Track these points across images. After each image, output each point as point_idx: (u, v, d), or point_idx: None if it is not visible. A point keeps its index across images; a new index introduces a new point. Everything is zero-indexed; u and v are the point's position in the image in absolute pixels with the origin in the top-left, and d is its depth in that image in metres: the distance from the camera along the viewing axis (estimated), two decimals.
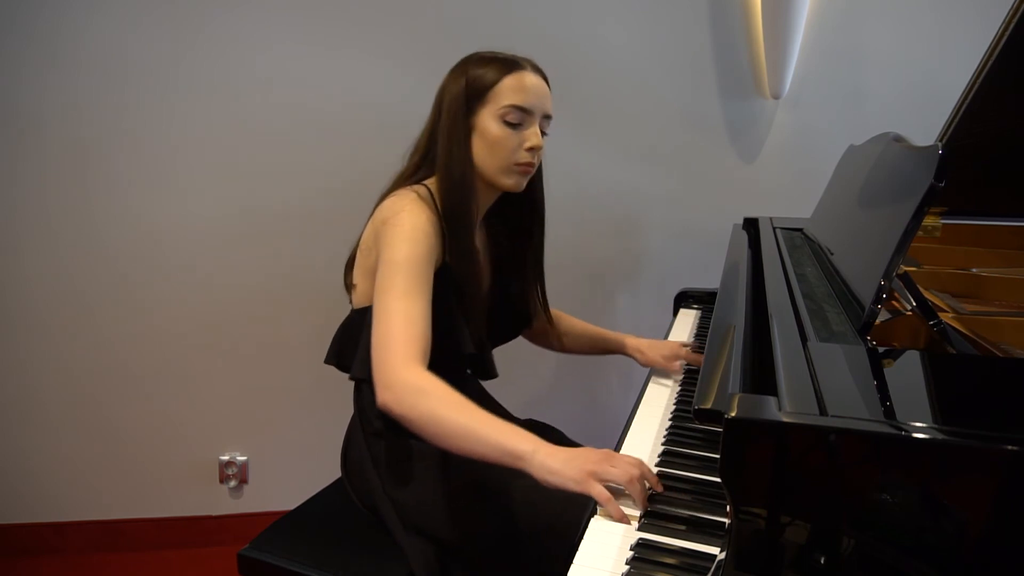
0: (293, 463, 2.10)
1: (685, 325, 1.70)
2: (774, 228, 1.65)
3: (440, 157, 1.20)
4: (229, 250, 1.96)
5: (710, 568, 0.75)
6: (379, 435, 1.23)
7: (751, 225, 1.78)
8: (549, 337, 1.54)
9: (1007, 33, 1.09)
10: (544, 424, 1.45)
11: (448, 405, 1.00)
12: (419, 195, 1.18)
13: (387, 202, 1.19)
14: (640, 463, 0.95)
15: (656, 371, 1.45)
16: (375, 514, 1.25)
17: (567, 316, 1.55)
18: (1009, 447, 0.55)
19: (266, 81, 1.88)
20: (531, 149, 1.21)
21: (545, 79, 1.24)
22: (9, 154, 1.83)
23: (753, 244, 1.65)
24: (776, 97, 2.02)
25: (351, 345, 1.24)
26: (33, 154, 1.84)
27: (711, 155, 2.08)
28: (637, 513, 0.91)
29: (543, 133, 1.23)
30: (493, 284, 1.37)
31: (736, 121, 2.06)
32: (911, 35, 2.02)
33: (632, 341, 1.52)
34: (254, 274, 1.98)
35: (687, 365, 1.45)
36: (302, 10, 1.86)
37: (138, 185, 1.89)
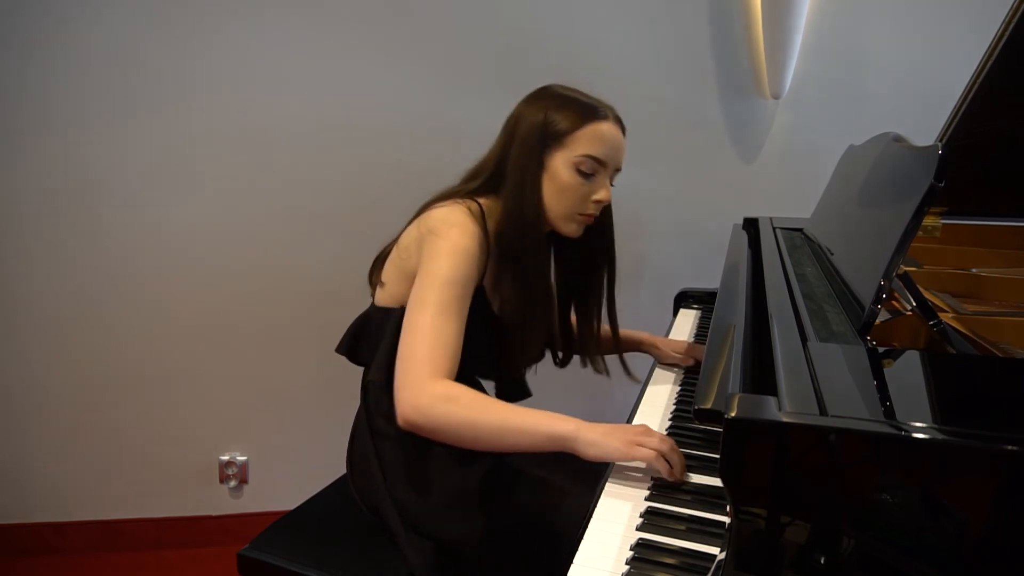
0: (293, 463, 2.10)
1: (685, 325, 1.70)
2: (774, 228, 1.65)
3: (510, 192, 1.17)
4: (230, 251, 1.96)
5: (710, 568, 0.75)
6: (384, 434, 1.23)
7: (751, 225, 1.78)
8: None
9: (1007, 33, 1.09)
10: None
11: (481, 407, 1.02)
12: (471, 211, 1.15)
13: (439, 212, 1.15)
14: (671, 442, 0.99)
15: (656, 371, 1.45)
16: (376, 514, 1.25)
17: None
18: (1009, 447, 0.55)
19: (270, 82, 1.88)
20: (598, 202, 1.20)
21: (623, 131, 1.22)
22: (13, 153, 1.83)
23: (753, 244, 1.65)
24: (776, 97, 2.02)
25: (367, 341, 1.23)
26: (37, 154, 1.84)
27: (711, 155, 2.07)
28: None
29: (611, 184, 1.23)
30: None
31: (736, 121, 2.06)
32: (911, 35, 2.02)
33: (648, 338, 1.51)
34: (255, 274, 1.98)
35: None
36: (305, 12, 1.86)
37: (138, 185, 1.89)
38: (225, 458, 2.07)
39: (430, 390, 1.02)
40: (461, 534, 1.16)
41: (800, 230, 1.63)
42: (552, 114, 1.16)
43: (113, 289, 1.93)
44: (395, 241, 1.25)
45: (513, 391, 1.31)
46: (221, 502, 2.11)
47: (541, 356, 1.37)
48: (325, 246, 1.99)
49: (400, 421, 1.04)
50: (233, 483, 2.09)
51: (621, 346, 1.50)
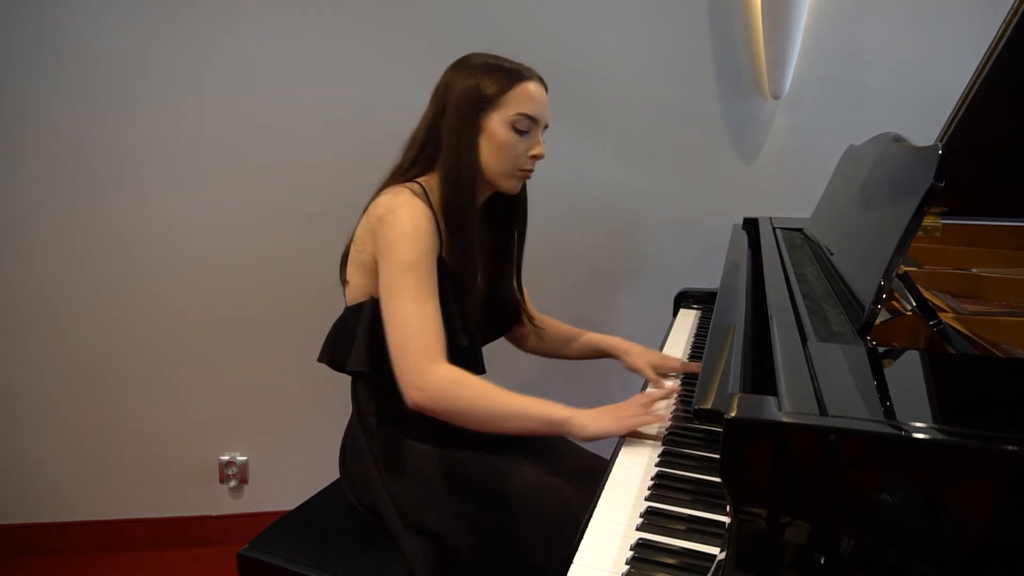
0: (293, 463, 2.10)
1: (685, 325, 1.70)
2: (774, 228, 1.65)
3: (445, 156, 1.21)
4: (231, 251, 1.96)
5: (710, 568, 0.75)
6: (375, 433, 1.24)
7: (751, 225, 1.78)
8: (535, 340, 1.52)
9: (1007, 33, 1.09)
10: None
11: (485, 391, 1.09)
12: (413, 192, 1.18)
13: (382, 199, 1.19)
14: (651, 396, 1.15)
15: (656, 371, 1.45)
16: (374, 513, 1.25)
17: (554, 320, 1.54)
18: (1009, 447, 0.55)
19: (273, 82, 1.88)
20: (534, 156, 1.25)
21: (547, 89, 1.27)
22: (16, 153, 1.83)
23: (753, 244, 1.65)
24: (776, 97, 2.02)
25: (345, 343, 1.23)
26: (40, 153, 1.84)
27: (711, 155, 2.07)
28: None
29: None
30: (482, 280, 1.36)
31: (736, 121, 2.06)
32: (911, 35, 2.02)
33: (619, 342, 1.48)
34: (254, 274, 1.98)
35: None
36: (308, 11, 1.86)
37: (139, 185, 1.89)
38: (225, 458, 2.07)
39: (438, 374, 1.08)
40: (460, 532, 1.16)
41: (800, 230, 1.63)
42: (482, 79, 1.21)
43: (114, 289, 1.93)
44: (350, 241, 1.27)
45: (471, 365, 1.27)
46: (221, 502, 2.11)
47: (504, 329, 1.41)
48: (326, 246, 1.97)
49: (409, 404, 1.09)
50: (233, 483, 2.09)
51: (583, 347, 1.50)
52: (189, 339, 1.99)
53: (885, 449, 0.58)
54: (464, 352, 1.24)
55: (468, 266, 1.22)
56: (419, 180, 1.23)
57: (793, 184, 2.07)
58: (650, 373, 1.39)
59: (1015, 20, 1.07)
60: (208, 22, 1.83)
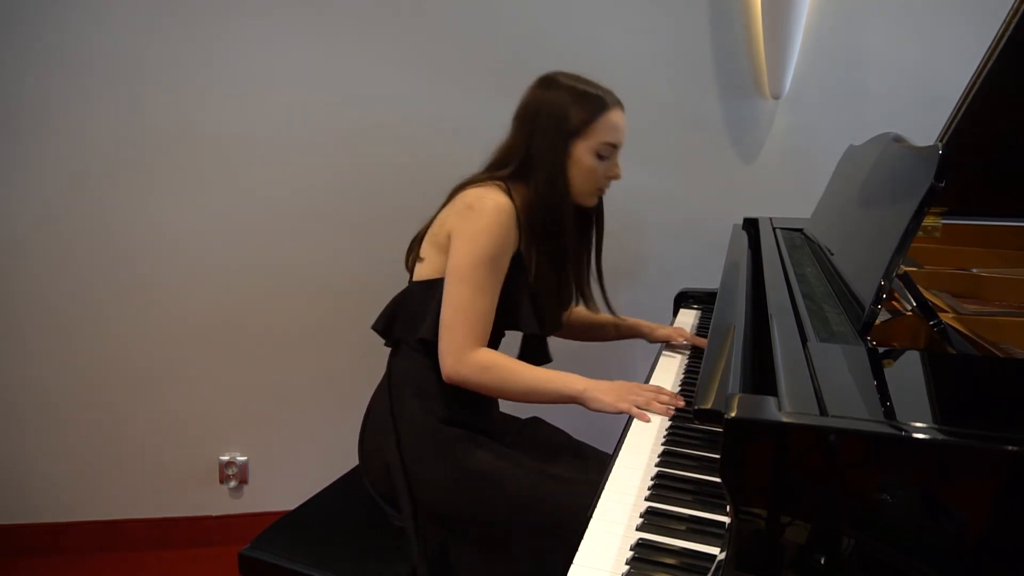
0: (293, 463, 2.10)
1: (685, 325, 1.70)
2: (774, 228, 1.65)
3: (540, 178, 1.30)
4: (230, 251, 1.96)
5: (710, 568, 0.75)
6: (405, 408, 1.28)
7: (751, 225, 1.78)
8: (577, 330, 1.64)
9: (1007, 33, 1.09)
10: (548, 424, 1.46)
11: (512, 372, 1.23)
12: (501, 190, 1.28)
13: (474, 191, 1.28)
14: (657, 388, 1.22)
15: (656, 371, 1.45)
16: (383, 495, 1.26)
17: (581, 308, 1.61)
18: (1009, 447, 0.55)
19: (276, 81, 1.88)
20: (611, 178, 1.36)
21: (623, 109, 1.36)
22: (17, 153, 1.83)
23: (753, 244, 1.65)
24: (776, 97, 2.02)
25: (404, 317, 1.33)
26: (41, 153, 1.84)
27: (711, 155, 2.07)
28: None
29: None
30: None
31: (736, 121, 2.06)
32: (911, 35, 2.02)
33: (644, 323, 1.64)
34: (255, 275, 1.98)
35: (688, 364, 1.46)
36: (310, 12, 1.86)
37: (138, 186, 1.89)
38: (225, 458, 2.07)
39: (471, 360, 1.21)
40: (469, 517, 1.17)
41: (800, 230, 1.63)
42: (571, 107, 1.29)
43: (114, 289, 1.93)
44: (428, 224, 1.35)
45: (538, 356, 1.42)
46: (221, 502, 2.11)
47: (560, 325, 1.50)
48: (327, 246, 1.99)
49: (445, 378, 1.24)
50: (233, 483, 2.09)
51: (620, 327, 1.63)
52: (189, 339, 1.99)
53: (885, 449, 0.58)
54: (532, 339, 1.39)
55: (560, 272, 1.37)
56: (507, 181, 1.32)
57: (793, 184, 2.07)
58: (675, 336, 1.57)
59: (1015, 20, 1.07)
60: (208, 22, 1.83)
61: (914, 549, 0.57)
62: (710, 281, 1.72)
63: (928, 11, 2.00)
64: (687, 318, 1.76)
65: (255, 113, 1.89)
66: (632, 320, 1.64)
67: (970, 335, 0.92)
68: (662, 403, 1.17)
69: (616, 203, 2.10)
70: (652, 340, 1.62)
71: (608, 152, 1.32)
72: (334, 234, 1.98)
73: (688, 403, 1.19)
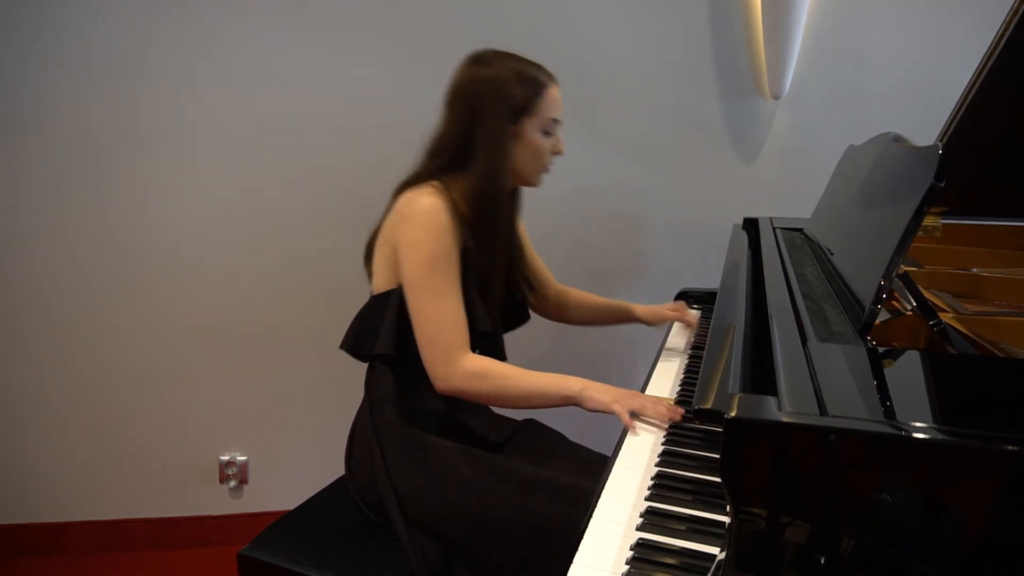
0: (293, 463, 2.10)
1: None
2: (774, 228, 1.65)
3: (482, 163, 1.25)
4: (230, 251, 1.96)
5: (710, 568, 0.75)
6: (387, 423, 1.25)
7: (751, 225, 1.78)
8: (559, 311, 1.63)
9: (1007, 33, 1.09)
10: (543, 426, 1.45)
11: (505, 379, 1.19)
12: (435, 189, 1.23)
13: (405, 196, 1.24)
14: (658, 400, 1.18)
15: (656, 371, 1.45)
16: (375, 510, 1.26)
17: (576, 291, 1.64)
18: (1009, 447, 0.55)
19: (274, 81, 1.88)
20: (556, 153, 1.33)
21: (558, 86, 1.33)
22: (17, 153, 1.83)
23: (753, 244, 1.65)
24: (776, 97, 2.02)
25: (369, 332, 1.29)
26: (41, 153, 1.84)
27: (711, 155, 2.07)
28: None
29: None
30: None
31: (736, 121, 2.06)
32: (911, 35, 2.02)
33: (637, 306, 1.66)
34: (255, 274, 1.98)
35: (688, 364, 1.46)
36: (311, 11, 1.86)
37: (138, 184, 1.89)
38: (225, 458, 2.07)
39: (461, 369, 1.18)
40: (462, 529, 1.16)
41: (800, 230, 1.63)
42: (512, 86, 1.24)
43: (113, 289, 1.93)
44: (378, 228, 1.32)
45: (493, 352, 1.34)
46: (221, 502, 2.11)
47: (524, 317, 1.48)
48: (326, 246, 1.99)
49: (437, 391, 1.21)
50: (233, 483, 2.09)
51: (603, 313, 1.65)
52: (189, 339, 1.99)
53: (885, 449, 0.58)
54: (487, 339, 1.32)
55: (493, 259, 1.30)
56: (441, 178, 1.27)
57: (793, 184, 2.07)
58: (673, 315, 1.60)
59: (1015, 20, 1.07)
60: (207, 21, 1.83)
61: (914, 549, 0.57)
62: (710, 281, 1.72)
63: (928, 11, 2.00)
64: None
65: (255, 113, 1.89)
66: (619, 302, 1.65)
67: (970, 335, 0.92)
68: (658, 413, 1.14)
69: (616, 203, 2.11)
70: (639, 317, 1.63)
71: (553, 128, 1.29)
72: (334, 234, 1.98)
73: (688, 403, 1.19)
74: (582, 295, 1.64)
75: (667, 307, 1.67)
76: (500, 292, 1.35)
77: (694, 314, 1.66)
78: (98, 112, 1.84)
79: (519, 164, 1.29)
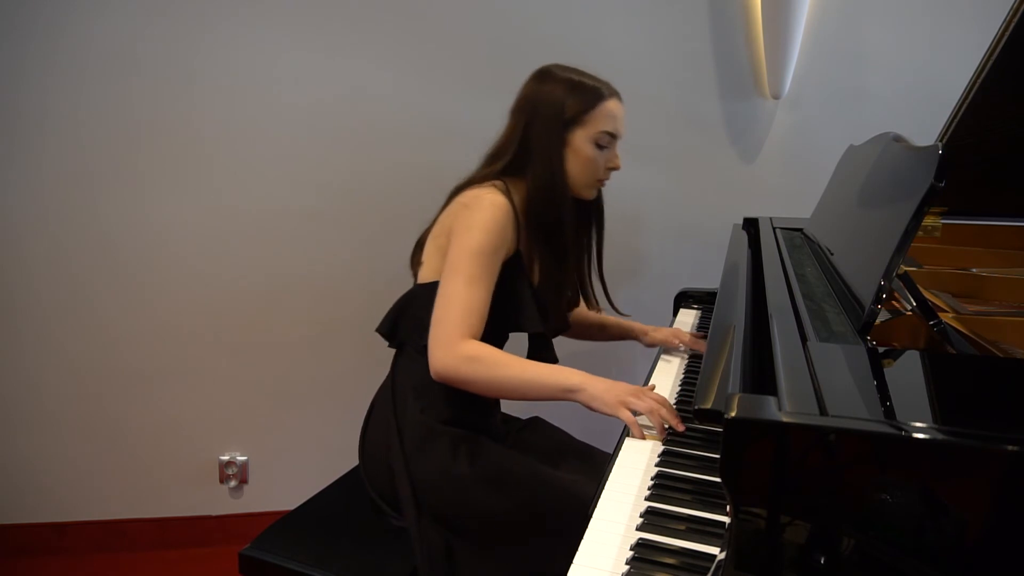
0: (293, 463, 2.10)
1: (685, 325, 1.70)
2: (774, 228, 1.65)
3: (535, 168, 1.29)
4: (229, 250, 1.96)
5: (710, 568, 0.75)
6: (408, 409, 1.27)
7: (751, 225, 1.79)
8: (574, 329, 1.61)
9: (1007, 33, 1.09)
10: (549, 424, 1.46)
11: (501, 365, 1.17)
12: (500, 190, 1.27)
13: (471, 191, 1.27)
14: (663, 400, 1.14)
15: (656, 372, 1.45)
16: (384, 497, 1.26)
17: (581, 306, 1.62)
18: (1009, 447, 0.55)
19: (271, 82, 1.88)
20: (611, 168, 1.35)
21: (622, 101, 1.35)
22: (13, 152, 1.83)
23: (753, 244, 1.65)
24: (776, 97, 2.02)
25: (408, 319, 1.32)
26: (37, 153, 1.84)
27: (711, 155, 2.07)
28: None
29: None
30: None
31: (736, 121, 2.06)
32: (911, 35, 2.02)
33: (637, 325, 1.63)
34: (255, 274, 1.98)
35: (687, 364, 1.46)
36: (307, 12, 1.86)
37: (138, 184, 1.89)
38: (225, 458, 2.07)
39: (459, 351, 1.16)
40: (472, 518, 1.17)
41: (800, 230, 1.63)
42: (568, 97, 1.28)
43: (113, 289, 1.93)
44: (431, 227, 1.35)
45: (545, 357, 1.38)
46: (221, 502, 2.11)
47: (568, 324, 1.49)
48: (326, 246, 1.99)
49: (432, 374, 1.18)
50: (233, 483, 2.09)
51: (604, 330, 1.63)
52: (189, 338, 1.99)
53: (885, 449, 0.58)
54: (537, 341, 1.34)
55: (561, 266, 1.34)
56: (504, 179, 1.31)
57: (793, 184, 2.07)
58: (670, 340, 1.54)
59: (1015, 20, 1.07)
60: (204, 22, 1.83)
61: (914, 549, 0.57)
62: (710, 281, 1.72)
63: (928, 11, 2.00)
64: (687, 318, 1.76)
65: (256, 113, 1.89)
66: (627, 322, 1.63)
67: (970, 335, 0.92)
68: (660, 419, 1.10)
69: (616, 203, 2.10)
70: (646, 344, 1.60)
71: (607, 142, 1.31)
72: (334, 234, 1.98)
73: (688, 403, 1.19)
74: (580, 309, 1.59)
75: (664, 330, 1.60)
76: (567, 298, 1.39)
77: (684, 338, 1.56)
78: (92, 111, 1.83)
79: (571, 174, 1.31)
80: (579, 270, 1.46)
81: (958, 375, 0.78)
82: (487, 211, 1.22)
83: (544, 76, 1.32)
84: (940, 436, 0.57)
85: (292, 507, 1.33)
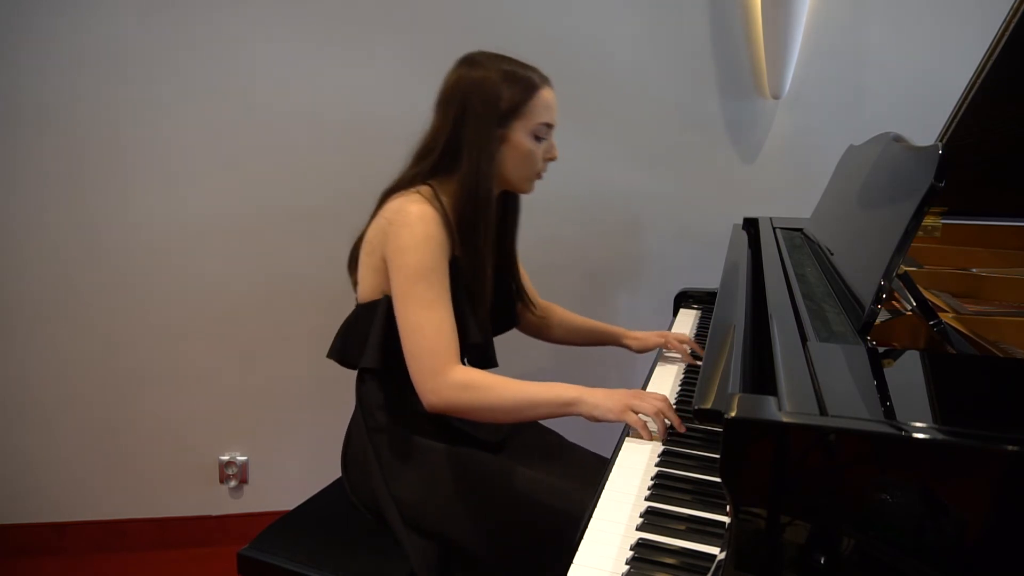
0: (293, 463, 2.10)
1: (685, 325, 1.70)
2: (774, 228, 1.65)
3: (466, 166, 1.21)
4: (229, 250, 1.96)
5: (710, 568, 0.75)
6: (381, 430, 1.24)
7: (751, 225, 1.79)
8: (542, 328, 1.56)
9: (1007, 33, 1.09)
10: (543, 427, 1.45)
11: (496, 388, 1.12)
12: (424, 196, 1.19)
13: (393, 203, 1.20)
14: (665, 400, 1.12)
15: (656, 371, 1.45)
16: (374, 513, 1.25)
17: (560, 308, 1.58)
18: (1009, 447, 0.55)
19: (267, 81, 1.88)
20: (550, 159, 1.29)
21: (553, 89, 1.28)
22: (8, 152, 1.83)
23: (753, 244, 1.65)
24: (776, 97, 2.02)
25: (355, 340, 1.25)
26: (33, 152, 1.84)
27: (711, 155, 2.08)
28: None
29: None
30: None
31: (736, 121, 2.06)
32: (911, 35, 2.02)
33: (627, 331, 1.57)
34: (254, 274, 1.98)
35: (687, 364, 1.46)
36: (304, 11, 1.86)
37: (138, 184, 1.89)
38: (225, 458, 2.07)
39: (449, 381, 1.11)
40: (461, 531, 1.16)
41: (800, 230, 1.63)
42: (502, 88, 1.20)
43: (113, 288, 1.93)
44: (363, 235, 1.27)
45: (483, 360, 1.34)
46: (221, 502, 2.11)
47: (512, 322, 1.44)
48: (325, 247, 1.98)
49: (427, 408, 1.13)
50: (233, 483, 2.09)
51: (590, 335, 1.57)
52: (189, 338, 1.99)
53: (885, 449, 0.58)
54: (478, 349, 1.28)
55: (480, 267, 1.24)
56: (430, 183, 1.23)
57: (793, 184, 2.07)
58: (660, 342, 1.50)
59: (1015, 20, 1.07)
60: (201, 21, 1.82)
61: (914, 549, 0.57)
62: (710, 281, 1.72)
63: (928, 11, 2.00)
64: (687, 318, 1.76)
65: (253, 113, 1.89)
66: (612, 327, 1.57)
67: (970, 335, 0.92)
68: (663, 420, 1.10)
69: (616, 203, 2.11)
70: (635, 349, 1.54)
71: (545, 133, 1.25)
72: (335, 234, 1.97)
73: (688, 404, 1.19)
74: (566, 314, 1.57)
75: (654, 333, 1.55)
76: (489, 299, 1.29)
77: (680, 341, 1.52)
78: (87, 112, 1.83)
79: (508, 169, 1.24)
80: (508, 269, 1.39)
81: (958, 375, 0.78)
82: (416, 227, 1.14)
83: (473, 64, 1.23)
84: (940, 436, 0.57)
85: (292, 507, 1.33)
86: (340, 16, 1.87)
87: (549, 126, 1.25)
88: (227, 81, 1.87)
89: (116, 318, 1.95)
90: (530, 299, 1.47)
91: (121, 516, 2.06)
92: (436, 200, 1.19)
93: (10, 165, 1.84)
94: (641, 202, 2.08)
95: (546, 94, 1.24)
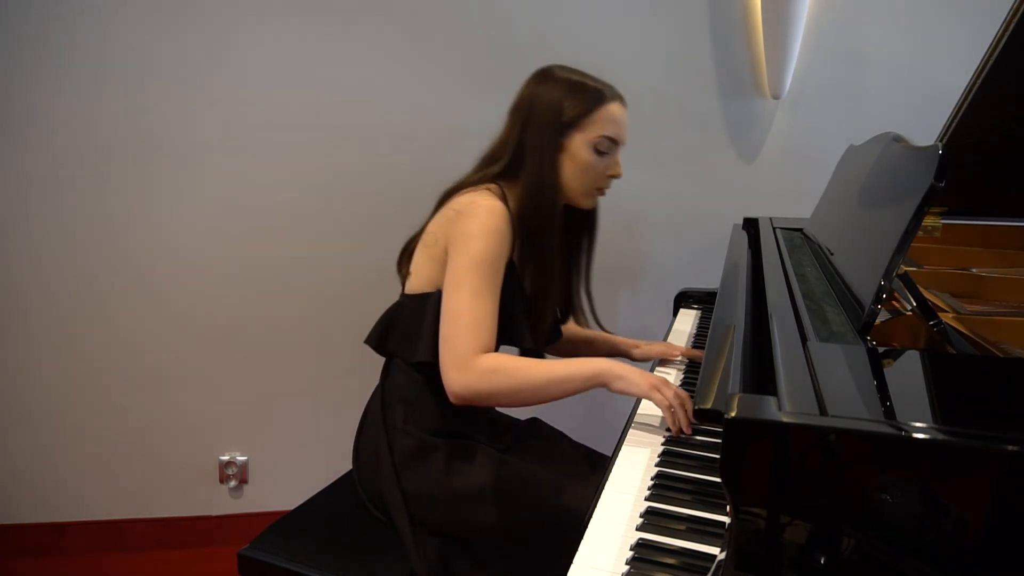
0: (293, 463, 2.10)
1: (685, 325, 1.70)
2: (774, 228, 1.65)
3: (529, 174, 1.24)
4: (229, 251, 1.96)
5: (710, 568, 0.75)
6: (398, 423, 1.25)
7: (751, 225, 1.79)
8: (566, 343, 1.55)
9: (1007, 33, 1.09)
10: (546, 425, 1.45)
11: (521, 371, 1.13)
12: (493, 193, 1.22)
13: (463, 197, 1.22)
14: (689, 399, 1.11)
15: (656, 371, 1.45)
16: (381, 509, 1.26)
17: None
18: (1009, 447, 0.55)
19: (278, 82, 1.88)
20: (612, 176, 1.29)
21: (625, 107, 1.30)
22: (19, 153, 1.83)
23: (753, 244, 1.65)
24: (776, 97, 2.02)
25: (397, 330, 1.27)
26: (43, 153, 1.84)
27: (711, 155, 2.07)
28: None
29: None
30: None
31: (736, 121, 2.06)
32: (911, 35, 2.02)
33: (625, 339, 1.57)
34: (255, 274, 1.98)
35: (687, 364, 1.46)
36: (311, 13, 1.86)
37: (139, 184, 1.89)
38: (225, 458, 2.07)
39: (476, 366, 1.11)
40: (464, 529, 1.17)
41: (800, 230, 1.63)
42: (566, 98, 1.23)
43: (114, 289, 1.93)
44: (420, 233, 1.29)
45: None
46: (221, 502, 2.11)
47: (557, 335, 1.43)
48: (327, 247, 1.99)
49: (452, 397, 1.14)
50: (233, 483, 2.09)
51: (590, 346, 1.55)
52: (189, 339, 1.99)
53: (885, 449, 0.58)
54: (529, 355, 1.28)
55: (546, 275, 1.26)
56: (499, 183, 1.26)
57: (793, 184, 2.07)
58: (662, 348, 1.49)
59: (1015, 20, 1.07)
60: (210, 22, 1.83)
61: (914, 549, 0.57)
62: (710, 281, 1.72)
63: (928, 11, 2.00)
64: (687, 318, 1.76)
65: (257, 114, 1.89)
66: (616, 337, 1.57)
67: (970, 335, 0.92)
68: (679, 419, 1.10)
69: (616, 203, 2.10)
70: (637, 358, 1.53)
71: (607, 147, 1.25)
72: (335, 234, 1.98)
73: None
74: (568, 325, 1.54)
75: (657, 344, 1.54)
76: (552, 312, 1.31)
77: (677, 352, 1.51)
78: (101, 113, 1.83)
79: (566, 180, 1.25)
80: (568, 283, 1.40)
81: (958, 375, 0.78)
82: (484, 217, 1.16)
83: (544, 76, 1.27)
84: (940, 436, 0.57)
85: (292, 507, 1.33)
86: (346, 17, 1.87)
87: (613, 141, 1.26)
88: (239, 84, 1.86)
89: (116, 319, 1.95)
90: (590, 315, 1.46)
91: (121, 516, 2.06)
92: (504, 199, 1.21)
93: (20, 165, 1.84)
94: (641, 202, 2.08)
95: (613, 109, 1.25)
